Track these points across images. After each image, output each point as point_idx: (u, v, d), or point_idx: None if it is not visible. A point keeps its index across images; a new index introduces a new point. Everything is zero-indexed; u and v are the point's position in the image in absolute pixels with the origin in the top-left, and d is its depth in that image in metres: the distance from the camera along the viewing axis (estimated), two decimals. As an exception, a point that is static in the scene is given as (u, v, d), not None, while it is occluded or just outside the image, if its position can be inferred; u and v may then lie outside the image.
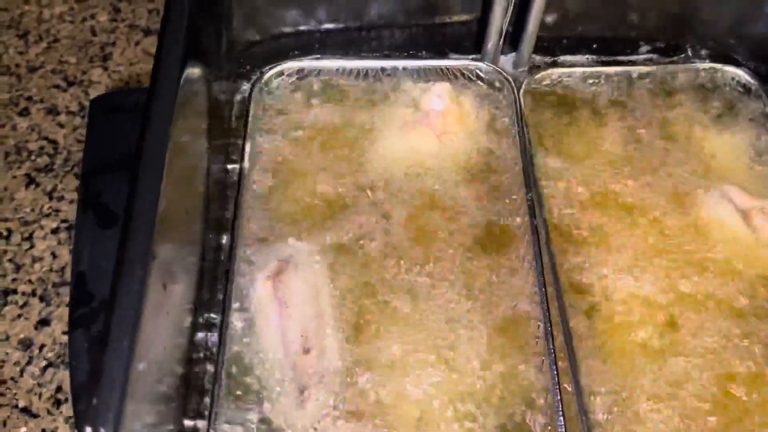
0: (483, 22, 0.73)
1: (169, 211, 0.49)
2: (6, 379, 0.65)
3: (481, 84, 0.75)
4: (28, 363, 0.66)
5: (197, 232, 0.58)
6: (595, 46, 0.78)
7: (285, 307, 0.59)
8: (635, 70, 0.77)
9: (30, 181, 0.77)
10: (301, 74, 0.75)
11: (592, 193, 0.67)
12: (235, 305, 0.60)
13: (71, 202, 0.75)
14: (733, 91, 0.76)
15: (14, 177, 0.78)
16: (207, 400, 0.56)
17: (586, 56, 0.78)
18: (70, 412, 0.62)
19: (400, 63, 0.75)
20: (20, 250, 0.72)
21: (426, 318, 0.60)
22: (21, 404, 0.64)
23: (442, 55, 0.76)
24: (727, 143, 0.72)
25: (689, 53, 0.78)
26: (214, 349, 0.58)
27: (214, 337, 0.58)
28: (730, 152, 0.71)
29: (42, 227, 0.74)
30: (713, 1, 0.76)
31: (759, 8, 0.75)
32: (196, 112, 0.59)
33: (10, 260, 0.72)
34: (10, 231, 0.74)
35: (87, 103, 0.83)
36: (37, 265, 0.71)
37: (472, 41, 0.76)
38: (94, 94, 0.84)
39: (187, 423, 0.52)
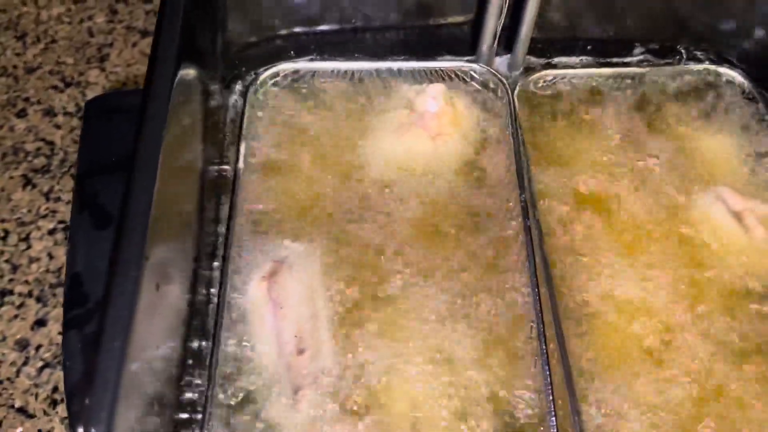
0: (477, 23, 0.74)
1: (163, 212, 0.49)
2: (2, 380, 0.65)
3: (476, 85, 0.75)
4: (25, 363, 0.66)
5: (191, 232, 0.58)
6: (589, 47, 0.78)
7: (279, 307, 0.60)
8: (630, 71, 0.77)
9: (27, 182, 0.78)
10: (296, 75, 0.76)
11: (585, 195, 0.68)
12: (230, 306, 0.60)
13: (68, 203, 0.76)
14: (726, 93, 0.76)
15: (11, 178, 0.78)
16: (201, 400, 0.56)
17: (581, 58, 0.78)
18: (66, 413, 0.63)
19: (395, 64, 0.75)
20: (17, 250, 0.73)
21: (420, 319, 0.60)
22: (17, 404, 0.64)
23: (437, 56, 0.77)
24: (720, 145, 0.72)
25: (683, 55, 0.79)
26: (208, 350, 0.58)
27: (208, 337, 0.59)
28: (723, 154, 0.71)
29: (39, 228, 0.74)
30: (707, 3, 0.76)
31: (753, 10, 0.75)
32: (191, 113, 0.59)
33: (6, 261, 0.72)
34: (6, 232, 0.74)
35: (84, 104, 0.83)
36: (33, 266, 0.72)
37: (466, 43, 0.76)
38: (91, 95, 0.85)
39: (181, 423, 0.53)
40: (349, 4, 0.73)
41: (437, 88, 0.72)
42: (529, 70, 0.77)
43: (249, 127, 0.71)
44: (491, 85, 0.75)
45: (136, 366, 0.43)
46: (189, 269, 0.56)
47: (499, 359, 0.58)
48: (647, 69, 0.77)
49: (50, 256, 0.72)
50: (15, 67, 0.87)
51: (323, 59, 0.76)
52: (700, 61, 0.78)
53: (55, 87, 0.86)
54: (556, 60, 0.78)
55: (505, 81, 0.74)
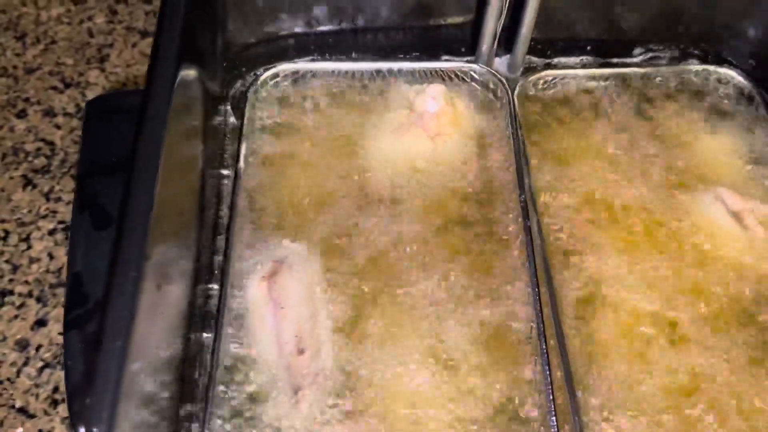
0: (477, 24, 0.74)
1: (164, 212, 0.49)
2: (3, 380, 0.65)
3: (476, 86, 0.75)
4: (25, 364, 0.66)
5: (192, 232, 0.58)
6: (589, 48, 0.78)
7: (279, 307, 0.60)
8: (629, 72, 0.77)
9: (27, 182, 0.78)
10: (296, 76, 0.76)
11: (585, 195, 0.68)
12: (230, 306, 0.60)
13: (68, 203, 0.76)
14: (726, 93, 0.76)
15: (11, 178, 0.78)
16: (201, 400, 0.56)
17: (581, 58, 0.79)
18: (67, 413, 0.63)
19: (395, 65, 0.75)
20: (17, 251, 0.73)
21: (420, 318, 0.60)
22: (18, 404, 0.64)
23: (437, 57, 0.77)
24: (719, 145, 0.72)
25: (683, 55, 0.79)
26: (209, 350, 0.58)
27: (208, 337, 0.59)
28: (722, 154, 0.72)
29: (39, 228, 0.74)
30: (706, 3, 0.76)
31: (752, 10, 0.76)
32: (192, 113, 0.59)
33: (7, 261, 0.72)
34: (7, 232, 0.74)
35: (84, 105, 0.83)
36: (34, 266, 0.72)
37: (466, 43, 0.77)
38: (91, 95, 0.85)
39: (182, 423, 0.53)
40: (349, 4, 0.73)
41: (437, 89, 0.72)
42: (529, 70, 0.77)
43: (249, 127, 0.71)
44: (491, 86, 0.75)
45: (137, 366, 0.43)
46: (189, 269, 0.57)
47: (499, 358, 0.58)
48: (647, 69, 0.78)
49: (50, 257, 0.72)
50: (15, 67, 0.87)
51: (323, 59, 0.77)
52: (700, 61, 0.79)
53: (54, 87, 0.86)
54: (556, 60, 0.78)
55: (505, 81, 0.74)
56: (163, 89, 0.53)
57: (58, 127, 0.82)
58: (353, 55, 0.77)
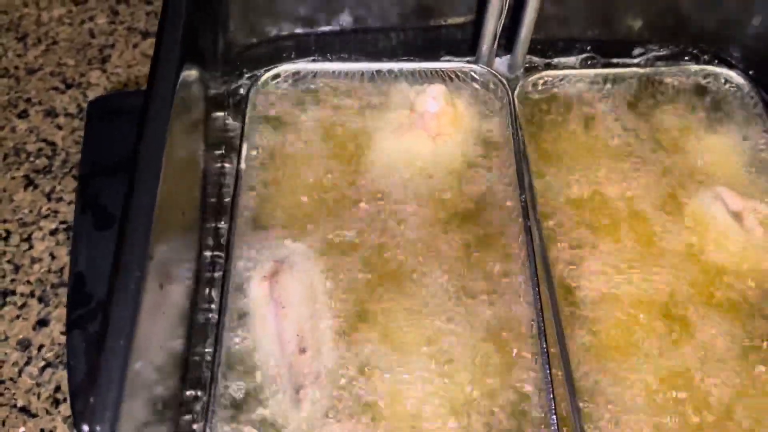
0: (477, 24, 0.74)
1: (166, 212, 0.49)
2: (5, 380, 0.65)
3: (476, 86, 0.75)
4: (27, 363, 0.66)
5: (194, 232, 0.59)
6: (589, 48, 0.78)
7: (281, 307, 0.60)
8: (629, 72, 0.77)
9: (29, 182, 0.78)
10: (297, 76, 0.76)
11: (585, 195, 0.68)
12: (232, 306, 0.61)
13: (70, 203, 0.76)
14: (725, 93, 0.77)
15: (13, 178, 0.78)
16: (203, 399, 0.56)
17: (581, 58, 0.79)
18: (69, 412, 0.63)
19: (395, 65, 0.76)
20: (19, 251, 0.73)
21: (421, 318, 0.60)
22: (20, 404, 0.64)
23: (437, 57, 0.77)
24: (719, 145, 0.72)
25: (682, 55, 0.79)
26: (211, 349, 0.58)
27: (210, 336, 0.59)
28: (722, 154, 0.72)
29: (41, 228, 0.74)
30: (706, 4, 0.76)
31: (751, 10, 0.76)
32: (193, 113, 0.60)
33: (8, 261, 0.72)
34: (8, 232, 0.74)
35: (85, 105, 0.83)
36: (35, 266, 0.72)
37: (466, 43, 0.77)
38: (92, 96, 0.85)
39: (184, 422, 0.53)
40: (350, 4, 0.73)
41: (437, 89, 0.72)
42: (529, 70, 0.77)
43: (250, 127, 0.72)
44: (491, 86, 0.75)
45: (140, 365, 0.43)
46: (191, 269, 0.57)
47: (499, 358, 0.58)
48: (647, 69, 0.78)
49: (52, 257, 0.72)
50: (16, 68, 0.88)
51: (324, 60, 0.77)
52: (699, 61, 0.79)
53: (56, 88, 0.86)
54: (556, 60, 0.78)
55: (505, 81, 0.74)
56: (164, 90, 0.53)
57: (59, 127, 0.82)
58: (354, 55, 0.77)
